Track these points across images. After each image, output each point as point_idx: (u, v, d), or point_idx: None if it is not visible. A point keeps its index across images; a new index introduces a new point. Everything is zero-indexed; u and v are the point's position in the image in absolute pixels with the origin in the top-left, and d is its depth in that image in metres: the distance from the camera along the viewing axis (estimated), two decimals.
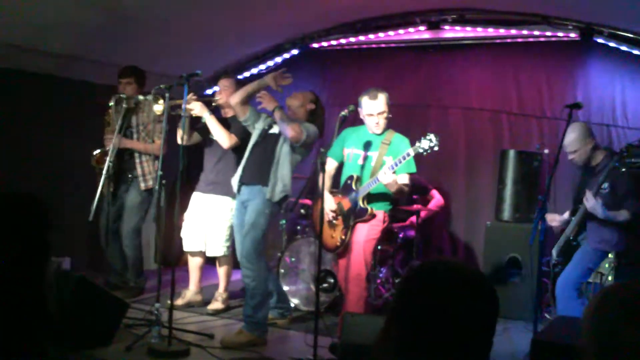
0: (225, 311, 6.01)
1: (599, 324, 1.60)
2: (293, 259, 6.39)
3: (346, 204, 5.10)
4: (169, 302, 4.90)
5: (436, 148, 4.68)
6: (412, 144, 4.80)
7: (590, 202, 4.79)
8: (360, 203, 5.01)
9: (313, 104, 5.50)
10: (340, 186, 5.23)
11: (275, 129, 5.32)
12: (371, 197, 5.02)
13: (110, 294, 4.95)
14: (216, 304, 6.04)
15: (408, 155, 4.75)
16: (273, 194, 5.15)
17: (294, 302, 6.21)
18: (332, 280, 6.11)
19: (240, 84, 5.88)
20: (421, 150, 4.70)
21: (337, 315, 5.82)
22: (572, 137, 5.01)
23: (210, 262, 6.42)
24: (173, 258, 5.30)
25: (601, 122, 6.63)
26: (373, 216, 5.04)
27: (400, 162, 4.78)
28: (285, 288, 6.27)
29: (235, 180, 5.39)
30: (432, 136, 4.67)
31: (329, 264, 6.04)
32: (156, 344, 4.72)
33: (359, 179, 5.07)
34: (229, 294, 6.14)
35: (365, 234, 5.05)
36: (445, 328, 1.42)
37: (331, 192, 5.21)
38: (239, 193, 5.37)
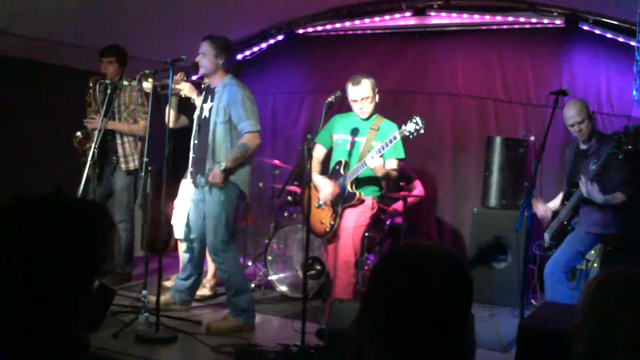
0: (212, 298, 6.00)
1: (595, 311, 1.60)
2: (280, 246, 6.39)
3: (335, 188, 5.10)
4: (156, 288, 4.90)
5: (422, 131, 4.70)
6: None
7: (587, 188, 4.81)
8: (349, 188, 5.02)
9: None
10: (329, 172, 5.25)
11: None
12: (359, 182, 5.04)
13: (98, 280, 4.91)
14: (204, 291, 6.02)
15: (395, 138, 4.78)
16: None
17: (281, 288, 6.22)
18: (319, 267, 6.11)
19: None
20: (407, 134, 4.72)
21: (325, 301, 5.85)
22: (577, 108, 5.07)
23: None
24: (160, 245, 5.26)
25: None
26: (361, 201, 5.05)
27: (387, 145, 4.80)
28: (273, 275, 6.29)
29: None
30: (417, 119, 4.69)
31: (317, 250, 6.05)
32: (143, 331, 4.71)
33: (347, 164, 5.09)
34: (217, 280, 6.13)
35: (354, 221, 5.06)
36: (418, 311, 1.41)
37: None
38: None
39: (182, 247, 5.98)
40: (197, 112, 5.32)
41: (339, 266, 5.04)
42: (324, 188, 5.10)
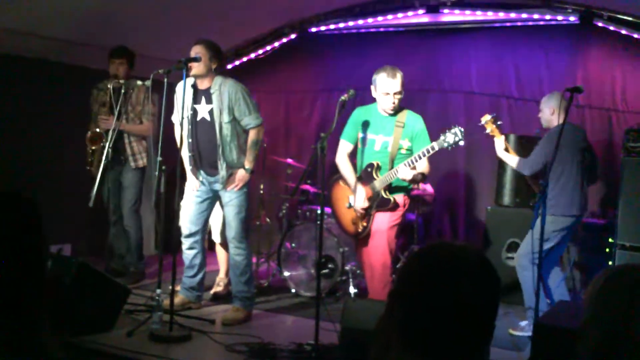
0: (227, 296, 6.00)
1: (603, 310, 1.56)
2: (293, 245, 6.38)
3: (367, 192, 4.95)
4: (170, 287, 4.91)
5: (461, 143, 4.62)
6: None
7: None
8: (383, 194, 4.90)
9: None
10: (358, 172, 5.09)
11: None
12: (392, 187, 4.95)
13: (112, 279, 4.94)
14: (218, 289, 6.04)
15: (433, 149, 4.66)
16: None
17: (294, 287, 6.22)
18: (332, 266, 6.11)
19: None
20: (446, 145, 4.61)
21: (338, 300, 5.85)
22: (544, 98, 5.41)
23: (209, 248, 6.40)
24: (173, 244, 5.27)
25: (601, 106, 6.63)
26: (397, 205, 4.96)
27: (420, 157, 4.71)
28: (286, 273, 6.29)
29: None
30: (456, 130, 4.59)
31: (330, 249, 6.04)
32: (158, 330, 4.72)
33: (379, 167, 4.92)
34: (229, 279, 6.12)
35: (387, 222, 4.95)
36: (448, 310, 1.41)
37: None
38: None
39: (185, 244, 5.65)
40: (187, 112, 5.17)
41: (376, 268, 4.95)
42: (359, 197, 4.96)
